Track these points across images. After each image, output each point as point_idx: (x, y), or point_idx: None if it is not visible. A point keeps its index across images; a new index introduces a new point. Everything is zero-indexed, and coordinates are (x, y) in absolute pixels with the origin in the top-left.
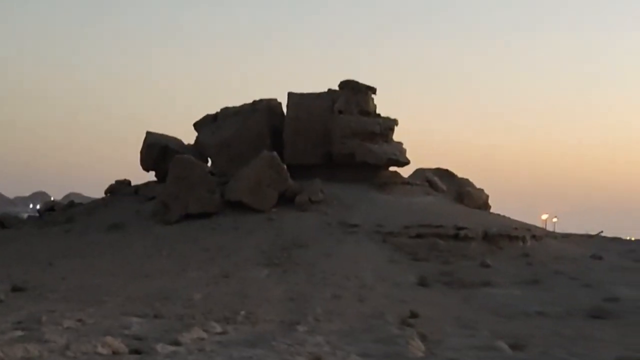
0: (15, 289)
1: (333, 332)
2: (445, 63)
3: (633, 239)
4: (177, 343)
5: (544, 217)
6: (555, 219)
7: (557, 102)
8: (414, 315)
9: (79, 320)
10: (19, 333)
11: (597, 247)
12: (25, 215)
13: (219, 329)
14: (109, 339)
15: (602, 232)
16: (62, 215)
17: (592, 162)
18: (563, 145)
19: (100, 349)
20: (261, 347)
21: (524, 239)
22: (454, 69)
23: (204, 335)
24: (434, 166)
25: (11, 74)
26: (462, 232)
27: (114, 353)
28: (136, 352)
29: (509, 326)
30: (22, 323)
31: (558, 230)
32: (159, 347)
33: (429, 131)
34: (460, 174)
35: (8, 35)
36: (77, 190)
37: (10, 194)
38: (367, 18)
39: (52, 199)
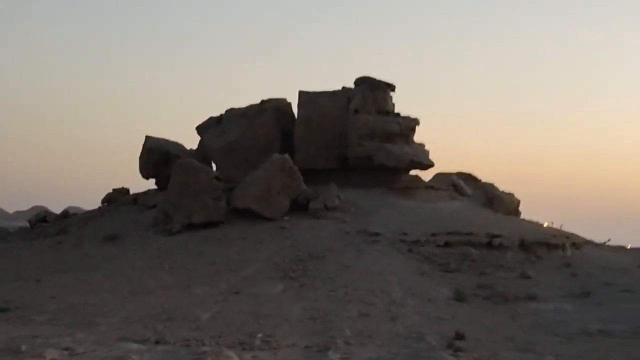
0: None
1: None
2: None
3: (629, 247)
4: None
5: (545, 224)
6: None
7: (562, 111)
8: (459, 336)
9: (66, 349)
10: None
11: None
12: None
13: (236, 359)
14: None
15: (609, 240)
16: (55, 227)
17: (591, 170)
18: (561, 153)
19: None
20: None
21: (563, 247)
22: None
23: None
24: (452, 170)
25: (4, 90)
26: (496, 240)
27: None
28: None
29: (573, 349)
30: None
31: None
32: None
33: (444, 135)
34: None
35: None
36: (76, 203)
37: (10, 208)
38: (386, 13)
39: None
